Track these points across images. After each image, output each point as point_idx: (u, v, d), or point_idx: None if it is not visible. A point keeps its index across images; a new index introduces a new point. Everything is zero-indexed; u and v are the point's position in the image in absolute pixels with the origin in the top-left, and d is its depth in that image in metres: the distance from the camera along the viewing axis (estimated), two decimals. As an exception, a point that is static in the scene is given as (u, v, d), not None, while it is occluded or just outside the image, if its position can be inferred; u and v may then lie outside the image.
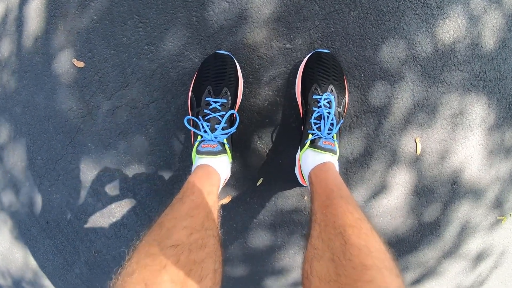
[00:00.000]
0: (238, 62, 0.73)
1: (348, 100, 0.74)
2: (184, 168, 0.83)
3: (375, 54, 0.74)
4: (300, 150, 0.68)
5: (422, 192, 0.86)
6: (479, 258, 1.02)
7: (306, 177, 0.66)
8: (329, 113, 0.66)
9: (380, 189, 0.84)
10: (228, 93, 0.67)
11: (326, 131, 0.65)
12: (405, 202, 0.86)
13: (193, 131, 0.67)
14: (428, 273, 0.99)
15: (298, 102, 0.74)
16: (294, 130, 0.78)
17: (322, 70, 0.68)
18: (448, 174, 0.85)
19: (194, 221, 0.45)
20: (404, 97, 0.77)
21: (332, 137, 0.65)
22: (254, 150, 0.80)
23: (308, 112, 0.68)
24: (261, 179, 0.83)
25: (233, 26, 0.73)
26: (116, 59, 0.75)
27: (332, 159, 0.64)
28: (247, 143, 0.80)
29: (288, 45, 0.74)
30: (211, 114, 0.65)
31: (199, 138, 0.65)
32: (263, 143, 0.80)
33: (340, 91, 0.69)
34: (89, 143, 0.81)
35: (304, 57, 0.72)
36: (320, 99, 0.67)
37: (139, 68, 0.76)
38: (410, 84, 0.76)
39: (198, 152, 0.64)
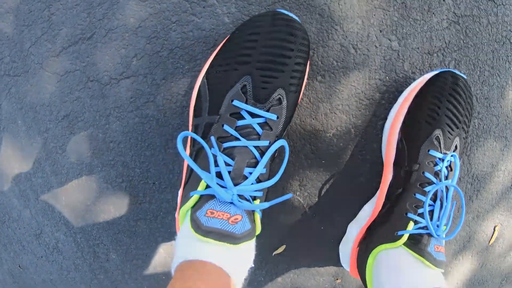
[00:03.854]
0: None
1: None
2: (166, 202, 0.48)
3: (499, 101, 0.49)
4: (376, 238, 0.39)
5: (472, 287, 0.66)
6: None
7: None
8: (447, 189, 0.38)
9: (435, 282, 0.61)
10: (285, 101, 0.33)
11: (443, 224, 0.37)
12: (450, 296, 0.66)
13: (195, 170, 0.29)
14: None
15: (387, 149, 0.44)
16: (361, 187, 0.48)
17: (456, 108, 0.39)
18: (504, 268, 0.67)
19: None
20: (507, 170, 0.54)
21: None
22: (286, 203, 0.49)
23: (414, 177, 0.38)
24: (284, 246, 0.52)
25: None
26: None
27: (443, 282, 0.36)
28: (278, 188, 0.48)
29: (395, 44, 0.43)
30: (239, 139, 0.31)
31: (200, 187, 0.30)
32: (305, 196, 0.48)
33: (462, 150, 0.42)
34: (20, 121, 0.48)
35: (421, 75, 0.43)
36: (442, 160, 0.38)
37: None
38: (517, 154, 0.54)
39: (196, 229, 0.28)
